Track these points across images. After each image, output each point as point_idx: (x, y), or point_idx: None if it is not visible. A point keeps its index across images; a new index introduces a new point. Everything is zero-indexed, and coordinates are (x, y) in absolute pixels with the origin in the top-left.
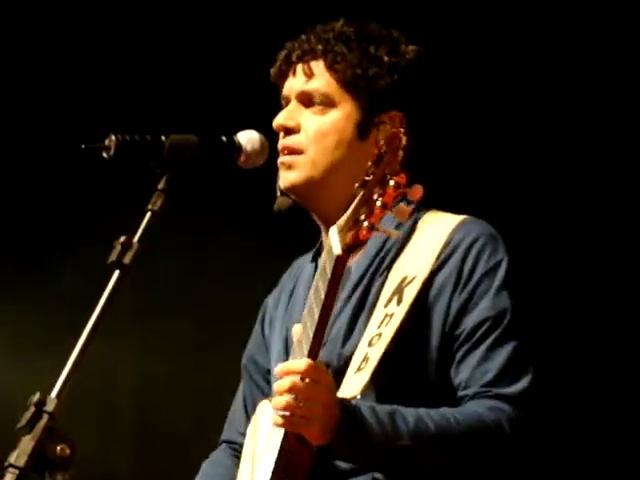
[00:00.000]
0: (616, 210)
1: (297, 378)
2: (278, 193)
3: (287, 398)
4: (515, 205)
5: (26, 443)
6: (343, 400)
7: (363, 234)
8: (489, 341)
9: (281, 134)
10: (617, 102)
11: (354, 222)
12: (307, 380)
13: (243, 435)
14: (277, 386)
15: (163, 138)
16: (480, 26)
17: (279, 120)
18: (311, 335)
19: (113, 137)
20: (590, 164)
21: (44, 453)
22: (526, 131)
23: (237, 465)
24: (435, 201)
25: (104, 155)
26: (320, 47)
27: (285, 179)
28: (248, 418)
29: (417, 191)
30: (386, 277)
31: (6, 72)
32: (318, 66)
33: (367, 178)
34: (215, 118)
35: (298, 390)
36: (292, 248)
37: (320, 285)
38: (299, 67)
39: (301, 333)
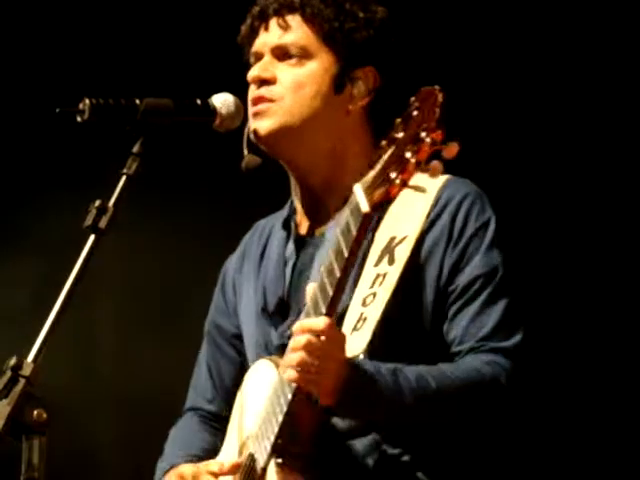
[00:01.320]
0: (610, 198)
1: (313, 336)
2: (245, 151)
3: (303, 354)
4: (505, 164)
5: (2, 407)
6: (349, 359)
7: (395, 191)
8: (482, 297)
9: (253, 87)
10: (616, 97)
11: (383, 180)
12: (323, 337)
13: (209, 401)
14: (294, 342)
15: (137, 102)
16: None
17: (254, 72)
18: (331, 293)
19: (87, 101)
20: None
21: (21, 417)
22: (517, 87)
23: (206, 429)
24: None
25: (78, 119)
26: (297, 0)
27: (260, 127)
28: (214, 385)
29: (453, 148)
30: (372, 237)
31: None
32: (295, 19)
33: (396, 135)
34: (187, 81)
35: (314, 347)
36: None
37: (342, 243)
38: (273, 21)
39: (316, 292)
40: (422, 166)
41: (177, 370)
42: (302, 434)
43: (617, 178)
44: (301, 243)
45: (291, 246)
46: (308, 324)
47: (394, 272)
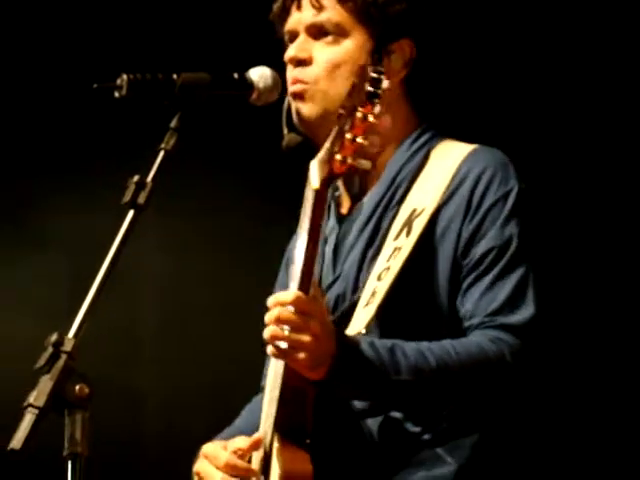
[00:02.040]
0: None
1: (285, 309)
2: (285, 130)
3: (274, 327)
4: (531, 136)
5: (45, 383)
6: (342, 335)
7: (337, 166)
8: (495, 271)
9: (290, 67)
10: (615, 98)
11: (329, 156)
12: (291, 308)
13: None
14: (266, 316)
15: (175, 76)
16: None
17: (291, 52)
18: (299, 273)
19: (125, 76)
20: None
21: (63, 393)
22: (537, 63)
23: None
24: (451, 130)
25: (116, 94)
26: None
27: (301, 112)
28: None
29: (385, 121)
30: (397, 210)
31: (20, 13)
32: None
33: (341, 111)
34: (223, 56)
35: (285, 320)
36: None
37: (305, 221)
38: (306, 0)
39: (293, 272)
40: (361, 140)
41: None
42: (302, 410)
43: (616, 179)
44: (341, 221)
45: (331, 224)
46: (277, 297)
47: (408, 245)
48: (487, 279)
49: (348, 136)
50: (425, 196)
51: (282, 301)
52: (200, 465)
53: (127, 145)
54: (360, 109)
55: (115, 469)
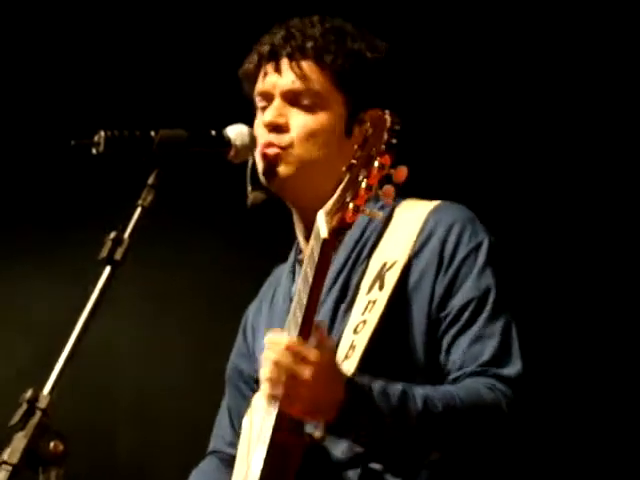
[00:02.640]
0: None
1: (284, 353)
2: (249, 188)
3: (271, 369)
4: (498, 194)
5: (19, 440)
6: (353, 381)
7: (349, 216)
8: (479, 323)
9: (263, 129)
10: (613, 99)
11: (340, 205)
12: (286, 352)
13: (230, 445)
14: (264, 355)
15: (152, 133)
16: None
17: (269, 117)
18: (300, 320)
19: (102, 133)
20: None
21: (37, 450)
22: (509, 123)
23: (225, 472)
24: (414, 191)
25: (93, 151)
26: (310, 45)
27: (276, 172)
28: (233, 428)
29: (402, 172)
30: (367, 265)
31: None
32: (307, 65)
33: (353, 161)
34: (199, 112)
35: (281, 364)
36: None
37: (308, 271)
38: (285, 64)
39: (290, 321)
40: (375, 190)
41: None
42: (288, 467)
43: (614, 184)
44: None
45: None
46: (274, 338)
47: (383, 297)
48: (472, 331)
49: (363, 185)
50: (394, 249)
51: (278, 343)
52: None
53: (103, 201)
54: (378, 159)
55: None
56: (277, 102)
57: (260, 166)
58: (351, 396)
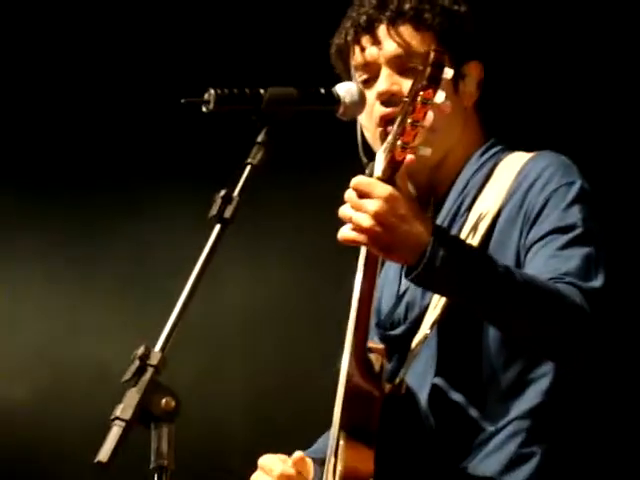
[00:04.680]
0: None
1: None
2: (364, 160)
3: (342, 207)
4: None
5: (131, 396)
6: (439, 226)
7: (398, 153)
8: (560, 244)
9: (378, 103)
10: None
11: (392, 144)
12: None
13: None
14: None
15: (262, 91)
16: None
17: (384, 86)
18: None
19: (212, 91)
20: None
21: (149, 406)
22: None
23: None
24: (519, 146)
25: (203, 109)
26: (407, 7)
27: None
28: None
29: (445, 107)
30: (466, 217)
31: (110, 31)
32: (407, 28)
33: (404, 99)
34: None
35: (348, 200)
36: None
37: None
38: (383, 32)
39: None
40: (421, 125)
41: None
42: (367, 410)
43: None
44: None
45: None
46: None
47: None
48: (551, 249)
49: (409, 121)
50: (490, 200)
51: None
52: (256, 476)
53: (213, 159)
54: (422, 93)
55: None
56: (385, 71)
57: (378, 144)
58: (438, 236)
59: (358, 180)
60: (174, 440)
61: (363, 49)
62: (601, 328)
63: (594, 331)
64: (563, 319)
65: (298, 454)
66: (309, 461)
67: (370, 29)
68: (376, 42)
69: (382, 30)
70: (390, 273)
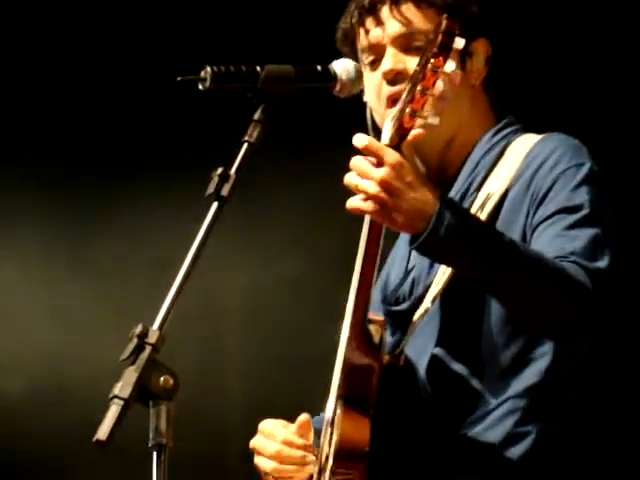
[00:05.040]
0: None
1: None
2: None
3: (347, 175)
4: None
5: (130, 374)
6: (446, 195)
7: (406, 120)
8: (566, 224)
9: (384, 83)
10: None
11: (401, 111)
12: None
13: None
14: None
15: (258, 69)
16: None
17: (389, 65)
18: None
19: (209, 69)
20: None
21: (147, 384)
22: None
23: None
24: (532, 127)
25: (200, 87)
26: None
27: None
28: None
29: (455, 76)
30: (475, 197)
31: (107, 12)
32: (409, 7)
33: (415, 67)
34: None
35: (354, 167)
36: None
37: None
38: (385, 12)
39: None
40: (431, 93)
41: None
42: (365, 380)
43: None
44: None
45: None
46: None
47: None
48: (558, 228)
49: (419, 88)
50: (498, 180)
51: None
52: (256, 440)
53: (210, 137)
54: (432, 61)
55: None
56: (390, 50)
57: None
58: (445, 204)
59: (366, 144)
60: (172, 418)
61: (367, 31)
62: (603, 309)
63: (596, 311)
64: (566, 297)
65: (304, 417)
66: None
67: (373, 10)
68: (380, 23)
69: (385, 11)
70: (400, 250)
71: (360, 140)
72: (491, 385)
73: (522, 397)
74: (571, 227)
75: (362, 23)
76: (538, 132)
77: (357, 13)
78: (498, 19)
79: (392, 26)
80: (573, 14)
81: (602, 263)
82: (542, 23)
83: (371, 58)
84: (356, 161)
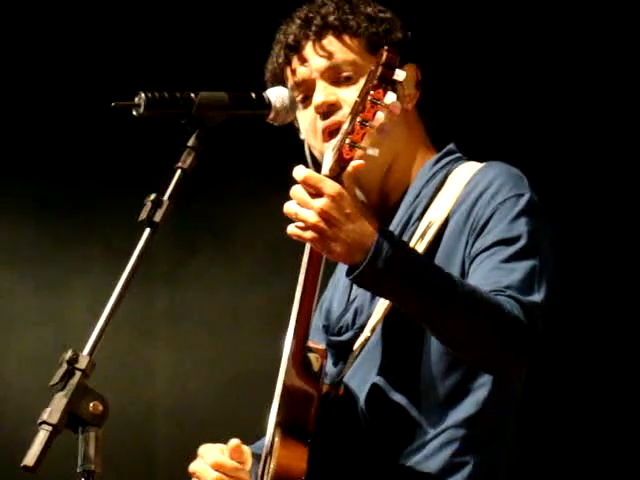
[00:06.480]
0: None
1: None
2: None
3: (288, 203)
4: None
5: (59, 400)
6: (386, 229)
7: (346, 152)
8: (504, 257)
9: (318, 117)
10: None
11: (341, 142)
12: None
13: None
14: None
15: (193, 95)
16: None
17: (320, 98)
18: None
19: (143, 95)
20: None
21: (77, 410)
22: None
23: None
24: (471, 154)
25: (134, 113)
26: (332, 19)
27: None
28: None
29: (395, 107)
30: (417, 226)
31: (37, 32)
32: (333, 40)
33: (356, 99)
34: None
35: (294, 195)
36: None
37: None
38: (310, 48)
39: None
40: (370, 125)
41: None
42: (304, 409)
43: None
44: None
45: None
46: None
47: (420, 250)
48: (494, 261)
49: (358, 119)
50: (440, 210)
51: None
52: (195, 464)
53: (143, 163)
54: (372, 93)
55: None
56: (320, 84)
57: (315, 152)
58: (384, 236)
59: (306, 176)
60: (102, 444)
61: (294, 70)
62: (538, 342)
63: (531, 345)
64: (501, 331)
65: (234, 442)
66: (247, 449)
67: (298, 49)
68: (305, 60)
69: (309, 48)
70: (342, 280)
71: (299, 173)
72: (430, 415)
73: (460, 427)
74: (508, 260)
75: (289, 62)
76: (478, 160)
77: (283, 53)
78: (423, 43)
79: (317, 61)
80: (506, 33)
81: (538, 297)
82: (471, 45)
83: (302, 96)
84: (296, 190)
